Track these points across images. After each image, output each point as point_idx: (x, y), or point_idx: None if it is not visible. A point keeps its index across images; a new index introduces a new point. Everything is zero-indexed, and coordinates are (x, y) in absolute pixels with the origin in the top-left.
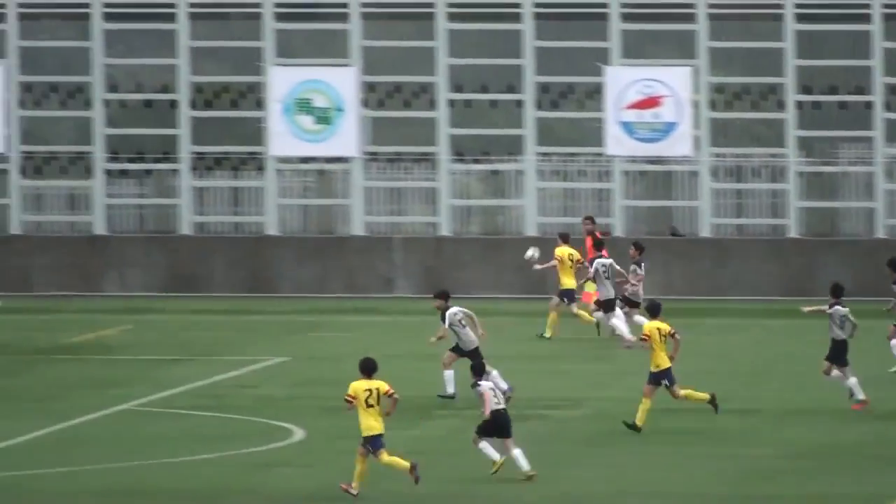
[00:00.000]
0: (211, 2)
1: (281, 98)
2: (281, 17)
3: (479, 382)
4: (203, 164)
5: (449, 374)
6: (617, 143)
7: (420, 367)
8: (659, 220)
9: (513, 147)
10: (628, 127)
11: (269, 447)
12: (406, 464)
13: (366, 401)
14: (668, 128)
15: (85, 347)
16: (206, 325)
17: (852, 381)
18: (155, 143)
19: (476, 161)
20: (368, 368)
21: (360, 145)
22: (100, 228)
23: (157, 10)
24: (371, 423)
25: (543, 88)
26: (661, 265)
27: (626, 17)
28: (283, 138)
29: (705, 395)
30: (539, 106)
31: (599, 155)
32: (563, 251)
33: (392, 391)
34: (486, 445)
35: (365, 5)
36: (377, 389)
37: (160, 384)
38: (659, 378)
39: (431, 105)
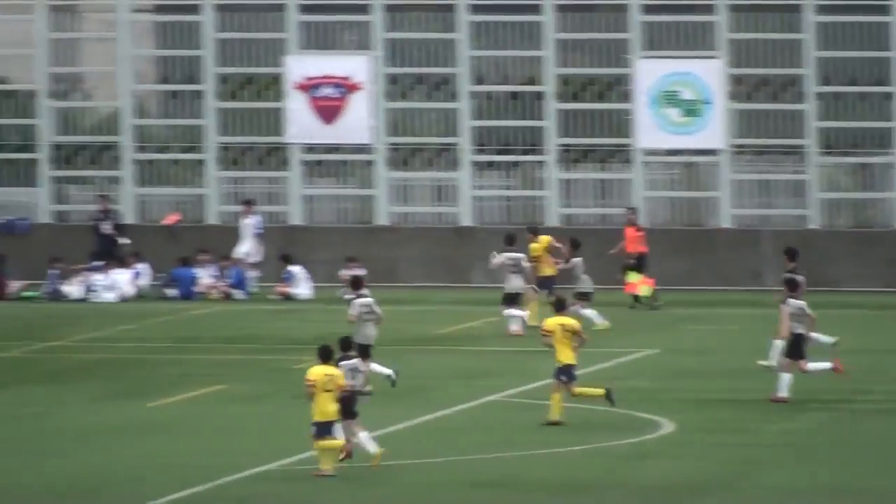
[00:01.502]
0: None
1: (647, 90)
2: (648, 10)
3: (341, 363)
4: (569, 157)
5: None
6: None
7: None
8: None
9: (882, 140)
10: None
11: (640, 439)
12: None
13: (324, 386)
14: None
15: (454, 338)
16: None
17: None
18: (521, 134)
19: (845, 154)
20: (327, 355)
21: (727, 138)
22: (466, 220)
23: (524, 3)
24: (329, 409)
25: None
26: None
27: None
28: (650, 131)
29: (600, 391)
30: None
31: None
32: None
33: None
34: (364, 436)
35: None
36: (335, 376)
37: (527, 375)
38: (560, 374)
39: (798, 97)
